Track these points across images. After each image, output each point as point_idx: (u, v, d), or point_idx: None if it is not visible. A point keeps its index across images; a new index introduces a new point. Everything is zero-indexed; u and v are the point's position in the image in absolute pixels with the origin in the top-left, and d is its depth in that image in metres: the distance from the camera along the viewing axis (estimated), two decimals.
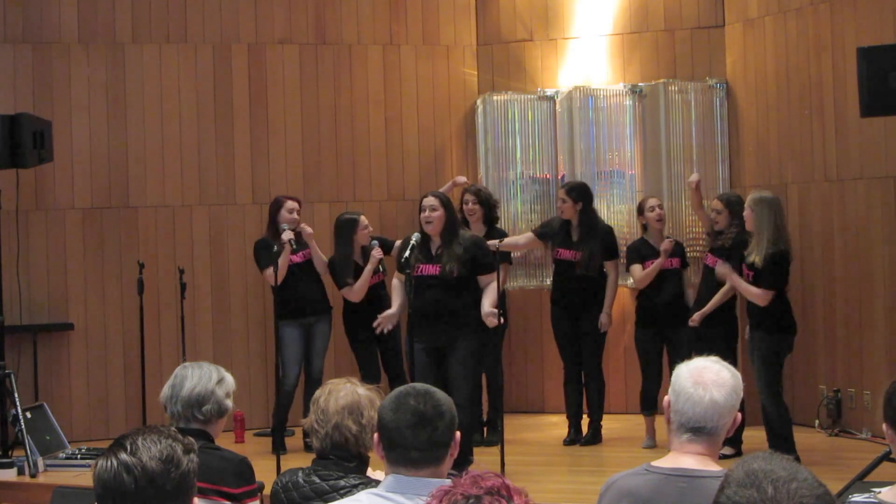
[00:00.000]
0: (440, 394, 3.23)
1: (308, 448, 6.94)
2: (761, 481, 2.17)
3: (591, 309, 8.92)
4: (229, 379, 4.47)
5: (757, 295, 7.87)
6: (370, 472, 4.06)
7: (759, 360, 7.94)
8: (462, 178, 9.65)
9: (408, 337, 7.87)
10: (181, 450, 2.65)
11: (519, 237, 9.37)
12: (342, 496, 3.79)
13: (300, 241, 8.88)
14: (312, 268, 9.01)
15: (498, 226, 9.36)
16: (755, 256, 7.88)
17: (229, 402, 4.43)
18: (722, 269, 8.07)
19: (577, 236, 8.97)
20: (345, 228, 8.93)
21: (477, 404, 9.00)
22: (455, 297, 7.69)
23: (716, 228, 8.52)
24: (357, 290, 8.87)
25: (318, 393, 4.10)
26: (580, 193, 9.01)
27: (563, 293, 9.04)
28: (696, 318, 8.34)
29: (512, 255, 9.56)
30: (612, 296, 8.97)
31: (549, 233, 9.11)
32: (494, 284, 7.77)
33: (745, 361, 8.31)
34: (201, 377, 4.41)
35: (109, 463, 2.62)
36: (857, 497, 3.16)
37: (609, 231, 9.18)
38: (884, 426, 3.34)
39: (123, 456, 2.61)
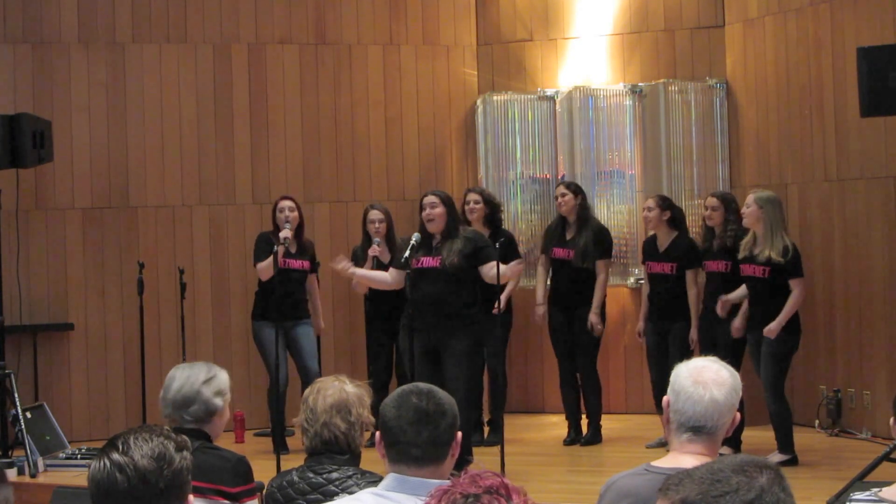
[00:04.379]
0: (442, 393, 3.26)
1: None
2: None
3: (583, 309, 8.91)
4: (221, 377, 4.42)
5: (798, 298, 7.88)
6: None
7: (770, 358, 7.94)
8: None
9: (406, 335, 7.87)
10: (173, 447, 2.66)
11: (539, 273, 9.31)
12: (337, 487, 3.83)
13: (302, 250, 8.91)
14: (305, 276, 9.04)
15: (504, 228, 9.35)
16: (770, 252, 7.89)
17: (218, 401, 4.38)
18: (771, 329, 7.96)
19: (571, 233, 8.98)
20: (363, 218, 9.07)
21: (476, 405, 9.00)
22: (453, 292, 7.68)
23: (708, 224, 8.53)
24: (354, 285, 9.04)
25: (307, 392, 4.13)
26: (578, 188, 9.12)
27: (558, 292, 9.05)
28: (771, 327, 7.96)
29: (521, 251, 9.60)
30: (600, 296, 8.93)
31: (546, 241, 9.16)
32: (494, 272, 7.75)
33: (746, 361, 8.30)
34: (188, 377, 4.38)
35: (102, 463, 2.64)
36: (858, 495, 3.16)
37: (604, 230, 9.18)
38: (891, 420, 3.34)
39: (115, 455, 2.63)
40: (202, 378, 4.39)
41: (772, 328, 7.92)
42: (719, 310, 8.28)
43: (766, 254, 7.93)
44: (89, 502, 2.70)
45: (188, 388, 4.37)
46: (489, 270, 7.70)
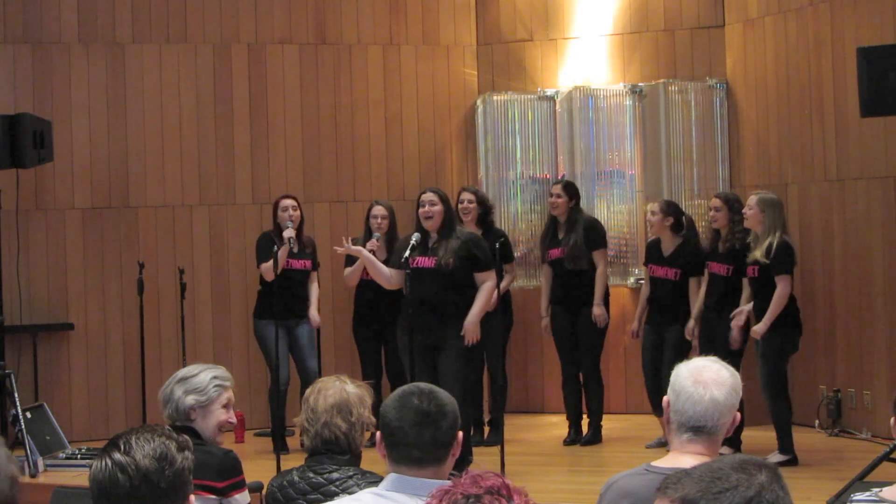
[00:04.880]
0: (443, 393, 3.26)
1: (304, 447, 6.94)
2: None
3: (586, 307, 8.92)
4: (201, 377, 4.41)
5: (780, 295, 7.89)
6: None
7: (764, 358, 7.97)
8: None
9: (403, 335, 7.87)
10: (175, 447, 2.66)
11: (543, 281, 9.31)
12: (338, 487, 3.83)
13: (303, 249, 8.93)
14: (307, 276, 9.04)
15: (496, 227, 9.34)
16: (757, 252, 7.93)
17: (189, 400, 4.37)
18: (756, 330, 7.97)
19: (563, 232, 8.99)
20: (367, 214, 9.07)
21: (476, 404, 9.01)
22: (449, 293, 7.68)
23: (713, 227, 8.52)
24: (347, 275, 9.05)
25: (308, 391, 4.14)
26: (574, 190, 9.11)
27: (559, 292, 9.06)
28: (756, 329, 8.04)
29: (514, 253, 9.61)
30: (602, 287, 8.93)
31: (542, 247, 9.18)
32: (488, 288, 7.76)
33: (746, 361, 8.30)
34: (171, 379, 4.41)
35: (104, 463, 2.63)
36: (858, 496, 3.16)
37: (593, 222, 9.19)
38: (891, 420, 3.34)
39: (117, 455, 2.62)
40: (178, 377, 4.40)
41: (756, 329, 7.97)
42: (734, 324, 8.22)
43: (756, 254, 7.97)
44: (90, 502, 2.70)
45: (168, 390, 4.40)
46: (482, 281, 7.73)
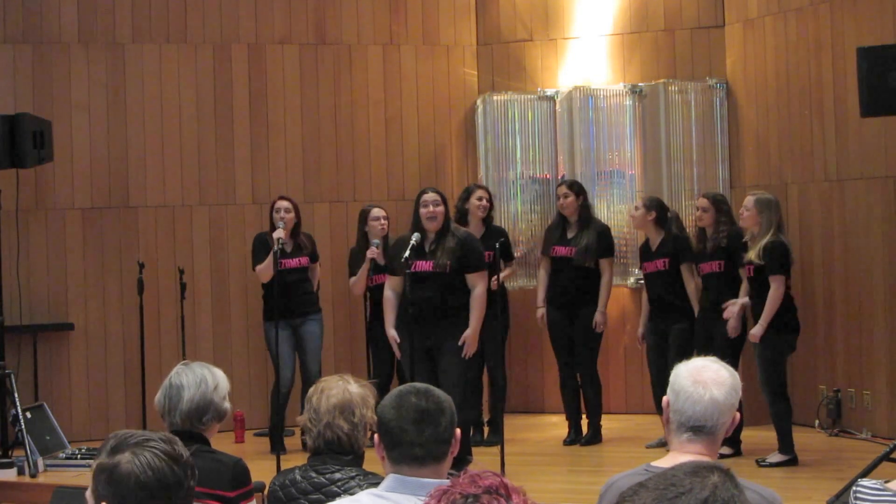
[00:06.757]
0: (440, 391, 3.27)
1: (306, 447, 6.94)
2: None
3: (585, 308, 8.92)
4: (223, 381, 4.40)
5: (774, 297, 7.89)
6: None
7: (762, 358, 7.96)
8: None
9: (405, 335, 7.86)
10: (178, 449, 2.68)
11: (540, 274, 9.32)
12: (339, 488, 3.83)
13: (298, 249, 8.91)
14: (306, 273, 9.02)
15: (495, 224, 9.34)
16: (752, 253, 7.95)
17: (227, 404, 4.39)
18: (754, 333, 7.95)
19: (573, 232, 8.99)
20: (360, 219, 9.08)
21: (475, 405, 9.01)
22: (448, 294, 7.70)
23: (699, 225, 8.54)
24: (352, 285, 9.09)
25: (311, 391, 4.12)
26: (580, 187, 9.14)
27: (558, 291, 9.05)
28: (754, 332, 8.03)
29: (514, 253, 9.62)
30: (606, 295, 8.96)
31: (546, 241, 9.17)
32: (480, 296, 7.76)
33: (745, 361, 8.31)
34: (198, 386, 4.35)
35: (143, 458, 2.60)
36: (865, 482, 3.18)
37: (606, 229, 9.21)
38: None
39: (148, 453, 2.61)
40: (211, 385, 4.34)
41: (755, 333, 7.96)
42: (727, 315, 8.23)
43: (750, 255, 7.98)
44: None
45: (200, 398, 4.32)
46: (473, 283, 7.75)
